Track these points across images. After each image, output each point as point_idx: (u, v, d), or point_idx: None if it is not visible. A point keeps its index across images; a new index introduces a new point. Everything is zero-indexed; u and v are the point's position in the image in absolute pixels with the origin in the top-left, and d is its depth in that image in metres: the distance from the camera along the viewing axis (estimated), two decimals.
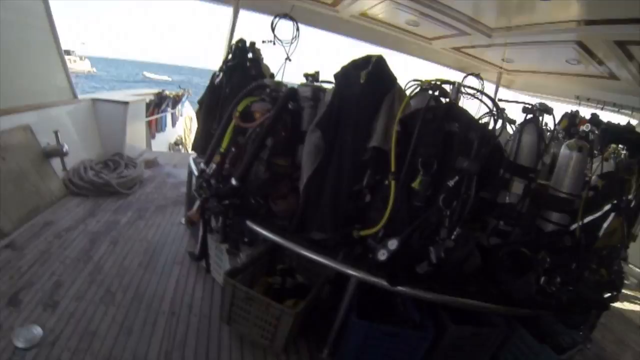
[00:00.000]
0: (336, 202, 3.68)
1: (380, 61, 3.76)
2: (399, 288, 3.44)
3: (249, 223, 4.06)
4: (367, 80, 3.66)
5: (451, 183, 3.23)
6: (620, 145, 5.23)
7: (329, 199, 3.69)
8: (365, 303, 3.95)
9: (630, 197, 4.43)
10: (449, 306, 3.81)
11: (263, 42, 5.91)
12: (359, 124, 3.67)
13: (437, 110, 3.45)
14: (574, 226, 4.08)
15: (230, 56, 5.72)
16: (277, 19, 5.93)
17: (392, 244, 3.24)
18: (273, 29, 5.87)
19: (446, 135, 3.40)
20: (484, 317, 4.13)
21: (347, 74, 3.80)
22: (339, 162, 3.69)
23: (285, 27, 5.98)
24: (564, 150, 4.17)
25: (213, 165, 4.25)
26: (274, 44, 5.91)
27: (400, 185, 3.37)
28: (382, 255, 3.25)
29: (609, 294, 4.09)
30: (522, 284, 3.58)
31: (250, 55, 5.61)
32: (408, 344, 3.80)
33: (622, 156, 5.11)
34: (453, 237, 3.23)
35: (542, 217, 4.18)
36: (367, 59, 3.80)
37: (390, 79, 3.81)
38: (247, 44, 5.70)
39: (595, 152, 4.64)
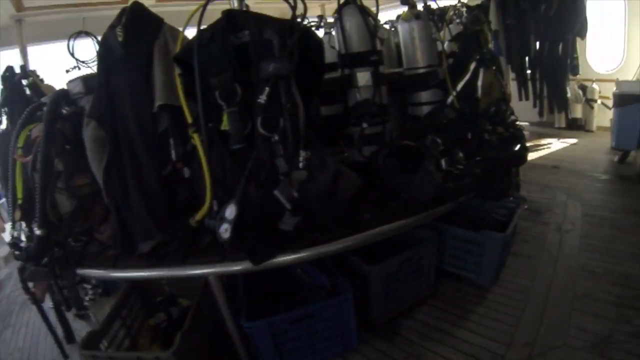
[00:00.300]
0: (147, 196, 2.51)
1: (134, 6, 2.63)
2: (274, 261, 2.32)
3: (81, 272, 2.77)
4: (126, 36, 2.50)
5: (263, 99, 2.14)
6: (459, 3, 4.30)
7: (138, 196, 2.50)
8: (261, 293, 2.90)
9: (490, 46, 3.60)
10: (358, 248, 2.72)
11: (67, 71, 4.58)
12: (136, 91, 2.52)
13: (215, 27, 2.31)
14: (450, 99, 3.29)
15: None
16: (72, 40, 4.60)
17: (230, 211, 2.12)
18: (72, 54, 4.55)
19: (239, 50, 2.29)
20: (405, 238, 3.11)
21: (106, 41, 2.65)
22: (130, 146, 2.52)
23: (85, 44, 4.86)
24: (402, 26, 3.42)
25: (19, 225, 2.91)
26: (79, 68, 4.59)
27: (208, 136, 2.27)
28: (225, 233, 2.10)
29: (518, 147, 3.31)
30: (422, 178, 2.59)
31: (25, 81, 4.16)
32: (329, 316, 2.73)
33: (465, 13, 4.17)
34: (301, 164, 2.15)
35: (412, 104, 3.26)
36: (120, 13, 2.63)
37: (154, 21, 2.67)
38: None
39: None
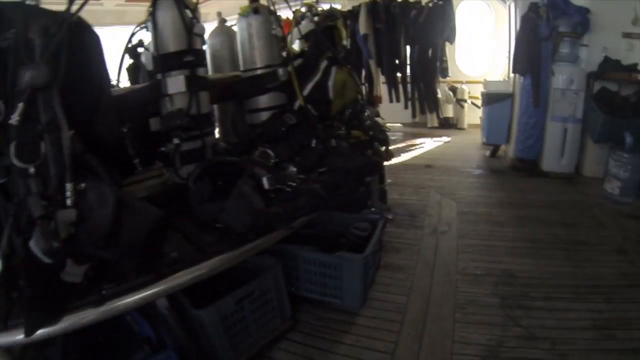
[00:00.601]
0: None
1: None
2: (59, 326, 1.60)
3: None
4: None
5: (15, 119, 1.42)
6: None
7: None
8: (86, 347, 2.13)
9: (345, 42, 3.12)
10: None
11: None
12: None
13: None
14: (297, 102, 2.77)
15: None
16: None
17: None
18: None
19: (3, 55, 1.54)
20: (250, 266, 2.46)
21: None
22: None
23: None
24: (239, 23, 2.80)
25: None
26: None
27: None
28: None
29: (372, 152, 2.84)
30: (234, 204, 1.93)
31: None
32: None
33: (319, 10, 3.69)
34: (69, 201, 1.47)
35: (251, 111, 2.79)
36: None
37: None
38: None
39: None
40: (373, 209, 3.08)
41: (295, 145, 2.41)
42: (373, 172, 2.69)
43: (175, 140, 2.23)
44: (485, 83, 6.47)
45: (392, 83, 5.82)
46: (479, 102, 7.03)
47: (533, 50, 5.16)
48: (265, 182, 1.96)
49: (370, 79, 5.71)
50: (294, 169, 2.11)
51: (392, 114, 6.46)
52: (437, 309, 2.82)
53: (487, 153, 6.46)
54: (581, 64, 5.22)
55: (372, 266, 2.83)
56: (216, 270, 1.88)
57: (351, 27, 5.62)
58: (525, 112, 5.43)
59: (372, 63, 5.80)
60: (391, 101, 5.79)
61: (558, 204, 4.51)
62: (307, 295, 2.82)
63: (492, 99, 6.07)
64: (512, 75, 5.95)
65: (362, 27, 5.74)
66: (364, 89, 5.58)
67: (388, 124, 6.99)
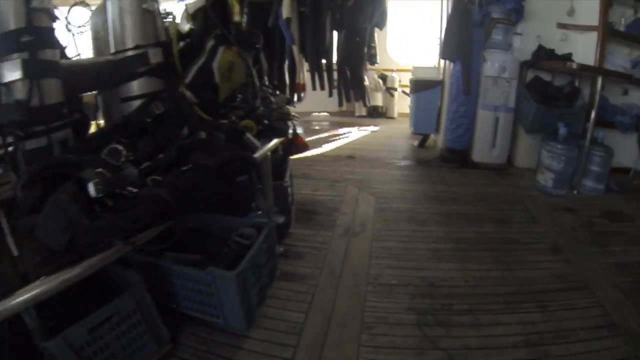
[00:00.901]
0: None
1: None
2: None
3: None
4: None
5: None
6: None
7: None
8: None
9: (238, 19, 3.00)
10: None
11: None
12: None
13: None
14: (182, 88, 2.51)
15: None
16: None
17: None
18: None
19: None
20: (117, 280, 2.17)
21: None
22: None
23: None
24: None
25: None
26: None
27: None
28: None
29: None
30: (48, 216, 1.54)
31: None
32: None
33: None
34: None
35: (123, 99, 2.43)
36: None
37: None
38: None
39: None
40: (259, 212, 2.69)
41: (162, 139, 2.08)
42: (244, 169, 2.27)
43: (10, 139, 1.83)
44: (414, 69, 6.38)
45: (315, 69, 5.60)
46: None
47: (464, 36, 5.10)
48: (91, 188, 1.59)
49: (293, 66, 5.46)
50: (134, 170, 1.77)
51: (318, 103, 6.54)
52: (340, 329, 2.47)
53: (416, 143, 6.39)
54: (514, 53, 5.19)
55: (259, 281, 2.49)
56: (38, 298, 1.49)
57: (275, 10, 5.29)
58: (455, 100, 5.36)
59: (295, 49, 5.54)
60: (314, 89, 5.59)
61: (488, 198, 4.41)
62: (188, 313, 2.49)
63: (421, 86, 6.00)
64: (442, 61, 5.88)
65: (286, 10, 5.46)
66: (286, 77, 5.35)
67: (314, 113, 6.74)
